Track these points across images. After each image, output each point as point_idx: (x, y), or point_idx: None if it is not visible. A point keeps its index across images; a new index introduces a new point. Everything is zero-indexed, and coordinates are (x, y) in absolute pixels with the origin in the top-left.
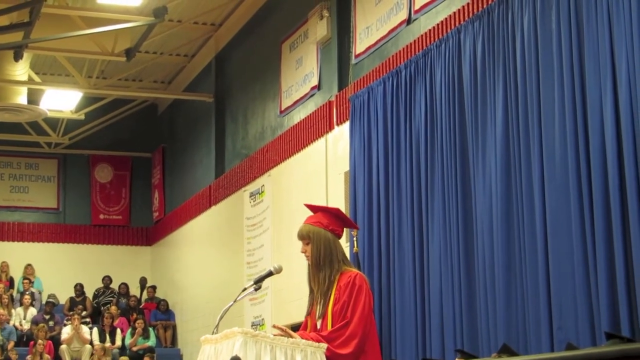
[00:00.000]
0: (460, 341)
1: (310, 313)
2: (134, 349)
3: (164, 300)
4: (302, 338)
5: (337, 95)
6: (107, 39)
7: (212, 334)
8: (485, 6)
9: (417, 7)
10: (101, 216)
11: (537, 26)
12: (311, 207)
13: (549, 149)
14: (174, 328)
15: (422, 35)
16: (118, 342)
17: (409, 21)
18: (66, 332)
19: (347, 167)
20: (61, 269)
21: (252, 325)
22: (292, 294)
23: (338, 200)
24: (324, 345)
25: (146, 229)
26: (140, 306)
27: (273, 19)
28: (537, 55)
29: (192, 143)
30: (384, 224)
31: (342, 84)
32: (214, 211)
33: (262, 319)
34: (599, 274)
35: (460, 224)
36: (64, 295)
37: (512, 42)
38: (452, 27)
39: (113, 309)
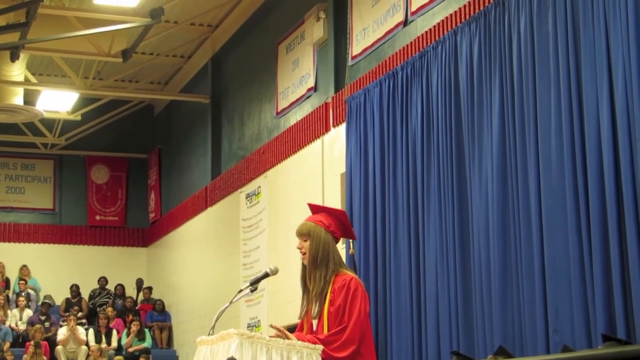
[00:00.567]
0: (457, 343)
1: (305, 315)
2: (130, 350)
3: (159, 300)
4: (299, 339)
5: (333, 97)
6: (104, 39)
7: (208, 335)
8: (481, 8)
9: (413, 8)
10: (97, 217)
11: (534, 28)
12: (315, 207)
13: (545, 151)
14: (170, 329)
15: (418, 37)
16: (114, 343)
17: (405, 23)
18: (62, 333)
19: (343, 169)
20: (57, 269)
21: (248, 327)
22: (288, 295)
23: (334, 202)
24: (320, 347)
25: (142, 230)
26: (136, 307)
27: (269, 20)
28: (534, 58)
29: (188, 144)
30: (380, 226)
31: (338, 85)
32: (210, 212)
33: (258, 321)
34: (595, 276)
35: (456, 226)
36: (60, 296)
37: (508, 44)
38: (449, 29)
39: (109, 310)
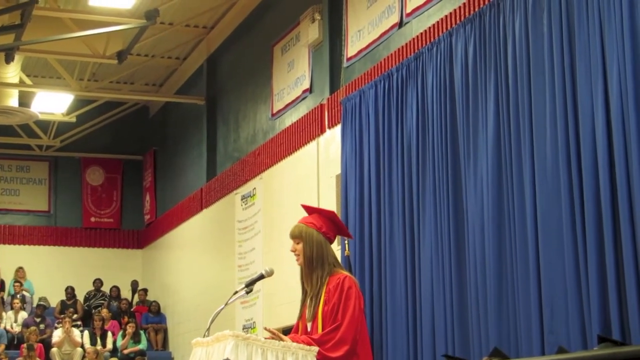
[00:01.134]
0: (452, 344)
1: (301, 316)
2: (125, 352)
3: (155, 302)
4: (293, 341)
5: (328, 99)
6: (99, 41)
7: (204, 337)
8: (476, 9)
9: (408, 10)
10: (92, 219)
11: (529, 29)
12: (307, 208)
13: (540, 152)
14: (165, 331)
15: (413, 39)
16: (109, 345)
17: (400, 24)
18: (57, 335)
19: (338, 170)
20: (52, 271)
21: (243, 329)
22: (284, 297)
23: (329, 203)
24: (315, 349)
25: (137, 232)
26: (132, 309)
27: (265, 22)
28: (529, 59)
29: (183, 146)
30: (375, 227)
31: (333, 87)
32: (206, 214)
33: (254, 322)
34: (590, 277)
35: (451, 227)
36: (55, 298)
37: (503, 45)
38: (444, 30)
39: (104, 312)
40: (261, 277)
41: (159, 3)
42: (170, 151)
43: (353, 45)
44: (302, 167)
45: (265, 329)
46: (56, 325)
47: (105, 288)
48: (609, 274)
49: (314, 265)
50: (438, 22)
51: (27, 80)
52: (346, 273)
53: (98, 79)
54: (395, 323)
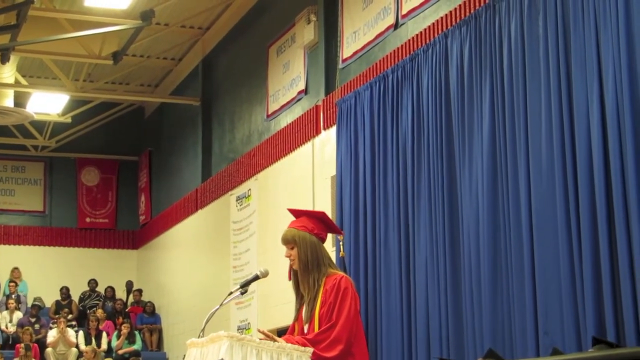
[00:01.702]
0: (447, 346)
1: (297, 318)
2: (120, 352)
3: (149, 303)
4: (288, 342)
5: (324, 100)
6: (94, 42)
7: (198, 337)
8: (472, 11)
9: (404, 11)
10: (87, 219)
11: (524, 31)
12: (294, 212)
13: (536, 153)
14: (160, 332)
15: (409, 40)
16: (104, 346)
17: (396, 26)
18: (52, 335)
19: (333, 172)
20: (47, 272)
21: (238, 329)
22: (278, 298)
23: (324, 204)
24: (310, 350)
25: (132, 233)
26: (126, 310)
27: (260, 23)
28: (524, 60)
29: (178, 146)
30: (370, 229)
31: (329, 88)
32: (201, 215)
33: (248, 323)
34: (585, 279)
35: (446, 228)
36: (50, 298)
37: (499, 47)
38: (439, 32)
39: (99, 312)
40: (256, 278)
41: (155, 4)
42: (165, 152)
43: (348, 47)
44: (298, 169)
45: (259, 331)
46: (51, 325)
47: (100, 288)
48: (603, 276)
49: (310, 268)
50: (433, 23)
51: (23, 81)
52: (342, 273)
53: (93, 79)
54: (390, 324)
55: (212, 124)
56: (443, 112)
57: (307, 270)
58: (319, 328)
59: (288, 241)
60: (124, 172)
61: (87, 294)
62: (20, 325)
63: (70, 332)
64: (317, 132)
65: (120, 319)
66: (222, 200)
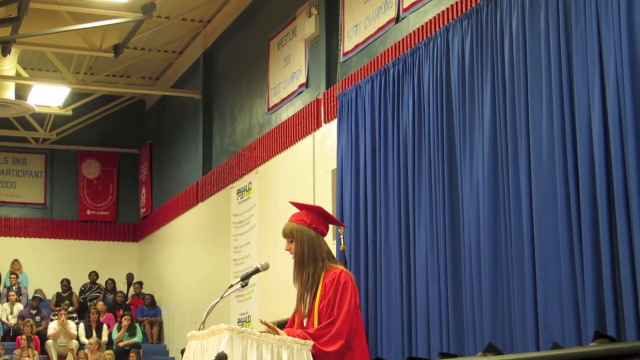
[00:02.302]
0: (447, 339)
1: (297, 310)
2: (121, 344)
3: (150, 295)
4: (289, 335)
5: (324, 93)
6: (95, 34)
7: (199, 330)
8: (473, 5)
9: (405, 5)
10: (88, 212)
11: (526, 25)
12: (296, 205)
13: (537, 147)
14: (161, 324)
15: (410, 34)
16: (104, 338)
17: (397, 19)
18: (52, 327)
19: (334, 165)
20: (48, 264)
21: (238, 322)
22: (279, 291)
23: (325, 197)
24: (310, 343)
25: (133, 225)
26: (127, 302)
27: (261, 16)
28: (525, 55)
29: (179, 139)
30: (370, 222)
31: (330, 81)
32: (201, 208)
33: (249, 316)
34: (586, 273)
35: (447, 222)
36: (51, 290)
37: (500, 41)
38: (441, 25)
39: (100, 304)
40: (257, 270)
41: None
42: (166, 145)
43: (349, 40)
44: (298, 162)
45: (262, 321)
46: (52, 317)
47: (101, 281)
48: (604, 270)
49: (305, 262)
50: (435, 17)
51: (24, 73)
52: (342, 268)
53: (94, 72)
54: (390, 317)
55: (213, 117)
56: (444, 106)
57: (302, 264)
58: (319, 322)
59: (287, 235)
60: (125, 165)
61: (88, 286)
62: (20, 317)
63: (71, 324)
64: (318, 126)
65: (121, 312)
66: (222, 193)
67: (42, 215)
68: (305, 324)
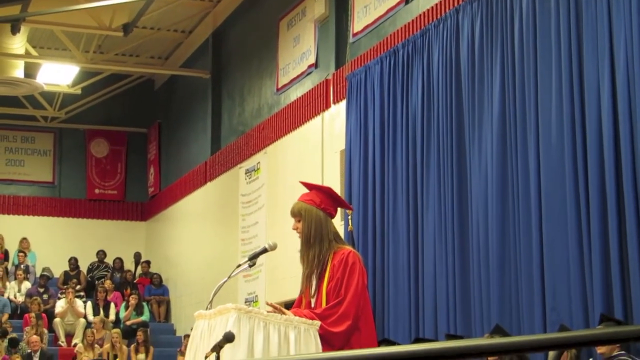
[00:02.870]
0: (454, 321)
1: (304, 291)
2: (128, 323)
3: (157, 274)
4: (296, 315)
5: (334, 74)
6: (105, 13)
7: (206, 309)
8: None
9: None
10: (96, 191)
11: (536, 7)
12: (306, 185)
13: (546, 130)
14: (168, 303)
15: (420, 15)
16: (112, 317)
17: (407, 0)
18: (60, 305)
19: (343, 146)
20: (56, 242)
21: (245, 302)
22: (286, 271)
23: (333, 178)
24: (317, 323)
25: (141, 204)
26: (135, 281)
27: None
28: (535, 37)
29: (188, 119)
30: (379, 203)
31: (339, 62)
32: (209, 187)
33: (256, 296)
34: (593, 255)
35: (455, 203)
36: (58, 269)
37: (510, 23)
38: (451, 7)
39: (107, 283)
40: (264, 250)
41: None
42: (174, 124)
43: (359, 21)
44: (307, 142)
45: (268, 303)
46: (59, 295)
47: (109, 259)
48: (612, 253)
49: (311, 242)
50: None
51: (33, 52)
52: (350, 248)
53: (104, 51)
54: (398, 298)
55: (222, 97)
56: (453, 88)
57: (308, 244)
58: (327, 302)
59: (295, 214)
60: (133, 144)
61: (96, 264)
62: (28, 295)
63: (79, 303)
64: (327, 106)
65: (129, 290)
66: (231, 173)
67: (50, 194)
68: (313, 305)
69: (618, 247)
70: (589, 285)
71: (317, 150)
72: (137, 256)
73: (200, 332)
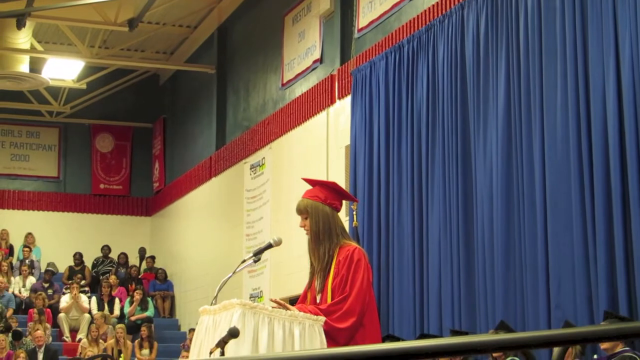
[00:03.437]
0: (458, 317)
1: (310, 286)
2: (132, 318)
3: (162, 269)
4: (300, 311)
5: (339, 69)
6: (110, 8)
7: (211, 305)
8: None
9: None
10: (101, 186)
11: (541, 3)
12: (309, 181)
13: (550, 126)
14: (173, 299)
15: (425, 11)
16: (116, 312)
17: None
18: (65, 300)
19: (348, 141)
20: (61, 237)
21: (250, 297)
22: (291, 266)
23: (338, 174)
24: (322, 319)
25: (146, 200)
26: (139, 276)
27: None
28: (540, 32)
29: (193, 114)
30: (383, 199)
31: (344, 58)
32: (214, 183)
33: (261, 291)
34: (598, 252)
35: (460, 199)
36: (63, 264)
37: (515, 18)
38: (456, 2)
39: (112, 278)
40: (269, 246)
41: None
42: (179, 119)
43: (364, 16)
44: (312, 138)
45: (272, 300)
46: (64, 290)
47: (114, 255)
48: (616, 249)
49: (321, 238)
50: None
51: (38, 47)
52: (355, 245)
53: (109, 46)
54: (403, 294)
55: (227, 92)
56: (458, 83)
57: (318, 240)
58: (332, 299)
59: (301, 211)
60: (138, 139)
61: (100, 260)
62: (33, 290)
63: (83, 298)
64: (332, 102)
65: (133, 286)
66: (235, 169)
67: (55, 189)
68: (318, 300)
69: (623, 243)
70: (593, 282)
71: (322, 145)
72: (142, 251)
73: (205, 327)
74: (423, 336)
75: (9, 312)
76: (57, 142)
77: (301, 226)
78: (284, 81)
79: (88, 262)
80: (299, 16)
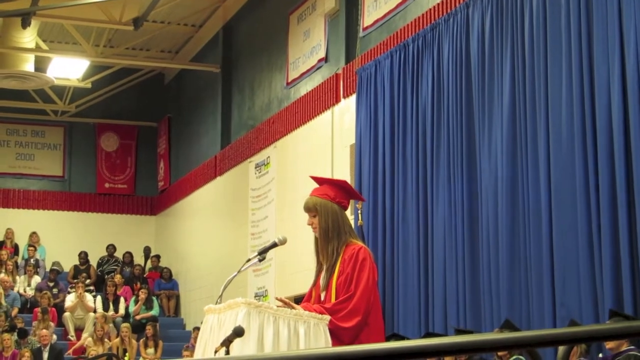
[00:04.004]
0: (463, 316)
1: (315, 284)
2: (137, 317)
3: (167, 268)
4: (305, 310)
5: (344, 68)
6: (115, 7)
7: (216, 304)
8: None
9: None
10: (106, 185)
11: (546, 1)
12: (317, 179)
13: (556, 124)
14: (178, 298)
15: (430, 9)
16: (121, 311)
17: None
18: (70, 299)
19: (353, 140)
20: (66, 236)
21: (255, 296)
22: (296, 265)
23: (343, 173)
24: (327, 318)
25: (151, 199)
26: (144, 275)
27: None
28: (545, 31)
29: (198, 113)
30: (388, 198)
31: (349, 56)
32: (219, 182)
33: (266, 290)
34: (603, 250)
35: (465, 198)
36: (68, 263)
37: (520, 17)
38: (461, 1)
39: (117, 277)
40: (274, 245)
41: None
42: (184, 118)
43: (369, 15)
44: (317, 137)
45: (277, 299)
46: (69, 290)
47: (119, 254)
48: (622, 247)
49: (330, 236)
50: None
51: (43, 46)
52: (361, 244)
53: (114, 45)
54: (407, 293)
55: (232, 91)
56: (463, 82)
57: (327, 238)
58: (336, 297)
59: (310, 209)
60: (143, 138)
61: (105, 259)
62: (38, 289)
63: (88, 297)
64: (337, 101)
65: (138, 285)
66: (240, 168)
67: (60, 188)
68: (322, 298)
69: (628, 242)
70: (598, 280)
71: (327, 144)
72: (147, 250)
73: (209, 326)
74: (428, 335)
75: (14, 311)
76: (62, 141)
77: (309, 224)
78: (289, 80)
79: (93, 261)
80: (304, 15)
